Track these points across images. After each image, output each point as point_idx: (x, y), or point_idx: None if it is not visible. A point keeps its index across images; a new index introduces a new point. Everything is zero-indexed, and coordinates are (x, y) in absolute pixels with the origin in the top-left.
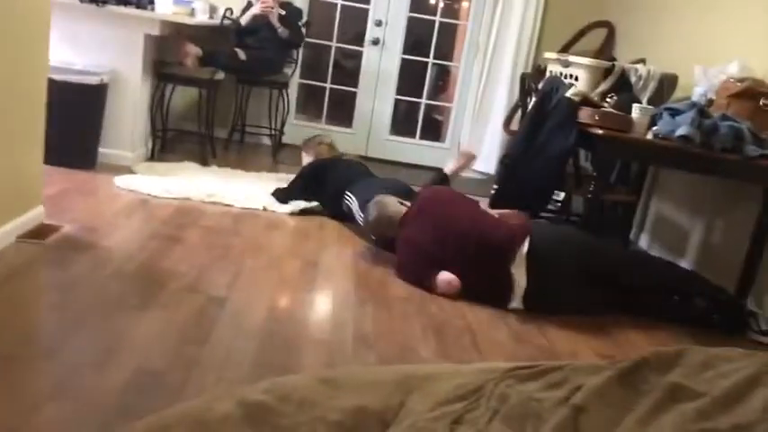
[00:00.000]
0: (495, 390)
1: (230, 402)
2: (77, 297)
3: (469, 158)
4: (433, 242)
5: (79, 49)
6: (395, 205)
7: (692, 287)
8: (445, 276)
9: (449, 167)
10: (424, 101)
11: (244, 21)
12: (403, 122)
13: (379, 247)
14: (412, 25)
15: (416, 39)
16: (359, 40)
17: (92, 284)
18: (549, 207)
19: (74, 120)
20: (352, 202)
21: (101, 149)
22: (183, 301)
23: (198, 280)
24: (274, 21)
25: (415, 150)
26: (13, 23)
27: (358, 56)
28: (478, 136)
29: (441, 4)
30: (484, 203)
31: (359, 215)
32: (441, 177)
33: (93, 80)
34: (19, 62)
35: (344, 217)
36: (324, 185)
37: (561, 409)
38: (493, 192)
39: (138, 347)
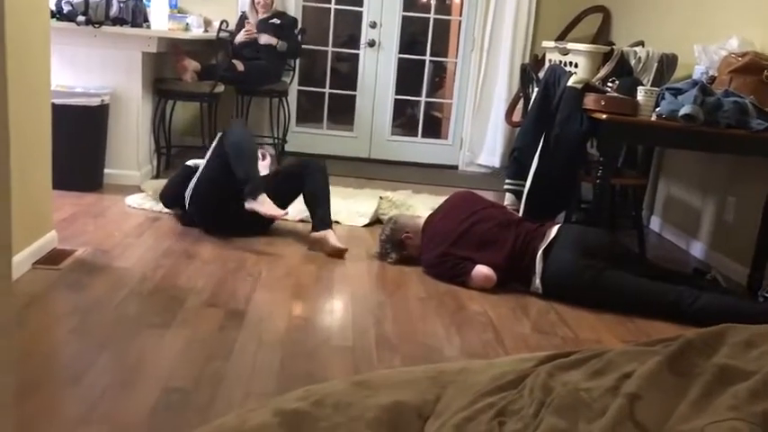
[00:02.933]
0: (536, 380)
1: (266, 413)
2: (98, 320)
3: None
4: (474, 231)
5: (78, 71)
6: (407, 217)
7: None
8: (482, 270)
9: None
10: (423, 99)
11: (238, 40)
12: (404, 122)
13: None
14: (406, 24)
15: (411, 37)
16: (354, 42)
17: (111, 306)
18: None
19: (77, 143)
20: None
21: (106, 170)
22: (203, 316)
23: (216, 294)
24: (269, 40)
25: (418, 149)
26: (15, 50)
27: (354, 59)
28: (481, 130)
29: (433, 2)
30: (491, 197)
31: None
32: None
33: (94, 102)
34: (22, 89)
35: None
36: None
37: (614, 398)
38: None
39: (163, 366)
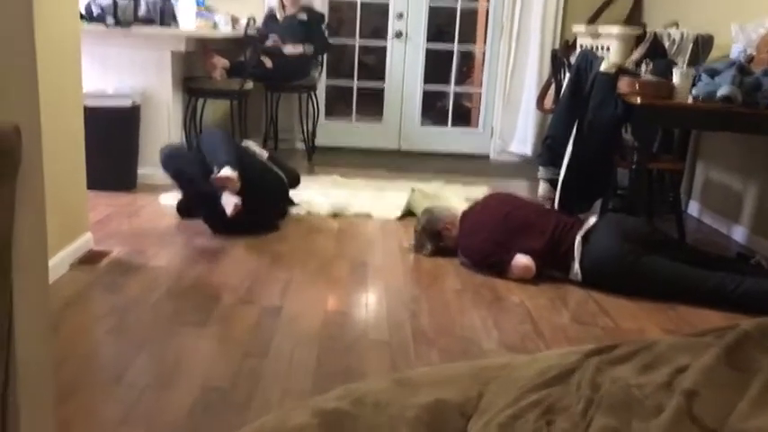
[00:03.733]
0: (584, 376)
1: (305, 413)
2: (135, 319)
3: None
4: (514, 218)
5: (109, 73)
6: (442, 209)
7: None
8: (522, 260)
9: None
10: (452, 88)
11: (268, 43)
12: (433, 112)
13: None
14: (433, 14)
15: (438, 27)
16: (381, 34)
17: (147, 306)
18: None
19: (110, 143)
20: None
21: (140, 170)
22: (239, 313)
23: (251, 291)
24: (293, 50)
25: (449, 138)
26: (47, 55)
27: (381, 51)
28: (511, 118)
29: None
30: (522, 188)
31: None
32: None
33: (126, 103)
34: (54, 93)
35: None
36: None
37: (667, 394)
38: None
39: (201, 365)
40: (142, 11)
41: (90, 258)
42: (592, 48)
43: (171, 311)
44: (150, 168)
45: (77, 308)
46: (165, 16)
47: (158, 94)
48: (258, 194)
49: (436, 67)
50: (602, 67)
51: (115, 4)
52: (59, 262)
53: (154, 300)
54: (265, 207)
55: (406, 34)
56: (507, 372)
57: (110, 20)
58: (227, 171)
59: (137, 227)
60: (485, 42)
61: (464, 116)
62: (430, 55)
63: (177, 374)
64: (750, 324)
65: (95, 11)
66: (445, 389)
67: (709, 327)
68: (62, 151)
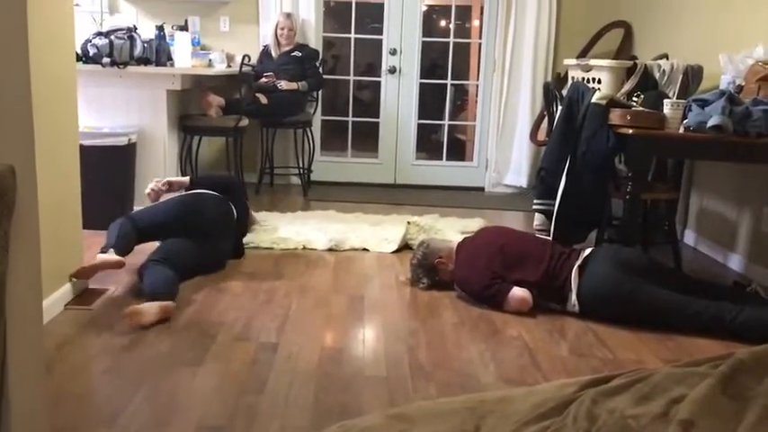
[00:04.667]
0: (580, 408)
1: None
2: (130, 359)
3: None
4: (506, 252)
5: (104, 112)
6: (438, 241)
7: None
8: (519, 293)
9: None
10: (446, 122)
11: (258, 86)
12: (428, 146)
13: (426, 287)
14: (426, 50)
15: (432, 62)
16: (375, 70)
17: (143, 344)
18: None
19: (106, 182)
20: None
21: (136, 208)
22: (236, 350)
23: (247, 328)
24: (288, 86)
25: (444, 171)
26: (44, 96)
27: (376, 86)
28: (506, 150)
29: (452, 26)
30: (518, 219)
31: None
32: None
33: (121, 141)
34: (50, 133)
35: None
36: None
37: (663, 424)
38: (555, 210)
39: (197, 403)
40: (138, 51)
41: (85, 298)
42: (584, 80)
43: (167, 350)
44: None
45: (72, 348)
46: (161, 56)
47: (154, 132)
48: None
49: (431, 101)
50: (594, 99)
51: (111, 45)
52: (54, 302)
53: (149, 338)
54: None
55: (400, 70)
56: (504, 405)
57: (106, 60)
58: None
59: (133, 265)
60: (478, 77)
61: (459, 149)
62: (424, 90)
63: (173, 414)
64: (744, 353)
65: (91, 51)
66: (441, 423)
67: (705, 356)
68: (57, 191)
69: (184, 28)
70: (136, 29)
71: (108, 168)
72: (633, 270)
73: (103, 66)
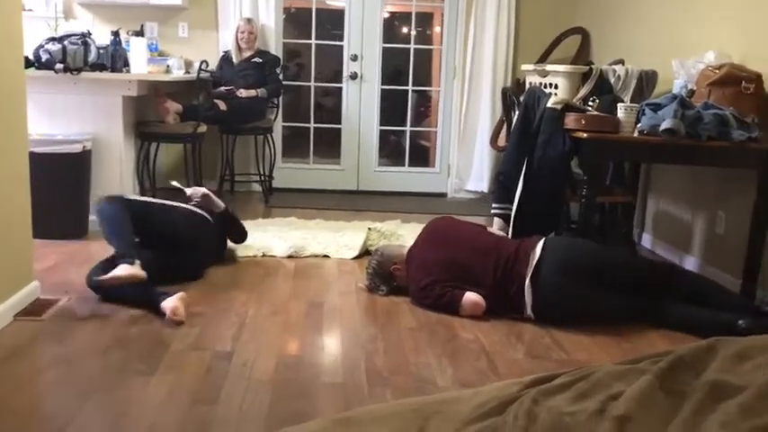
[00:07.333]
0: (520, 407)
1: None
2: (81, 370)
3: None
4: (453, 263)
5: (58, 119)
6: (393, 248)
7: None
8: (472, 297)
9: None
10: (408, 128)
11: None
12: (391, 152)
13: (385, 294)
14: (388, 56)
15: (394, 68)
16: (336, 76)
17: (94, 355)
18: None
19: (60, 190)
20: None
21: (91, 217)
22: (189, 360)
23: (202, 336)
24: (248, 94)
25: (406, 177)
26: None
27: (337, 92)
28: (467, 156)
29: (413, 32)
30: (481, 223)
31: None
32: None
33: (76, 148)
34: None
35: None
36: None
37: (599, 421)
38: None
39: (149, 414)
40: (92, 57)
41: (36, 308)
42: (541, 85)
43: (119, 360)
44: None
45: (20, 360)
46: (117, 62)
47: (110, 139)
48: (178, 243)
49: (393, 107)
50: (549, 103)
51: (64, 51)
52: (3, 312)
53: (102, 348)
54: (189, 254)
55: (362, 76)
56: (449, 406)
57: (59, 66)
58: (120, 270)
59: (86, 274)
60: (439, 83)
61: (422, 155)
62: (386, 96)
63: (123, 425)
64: (684, 349)
65: (44, 57)
66: (385, 426)
67: (647, 354)
68: (6, 199)
69: (140, 33)
70: (90, 34)
71: (62, 176)
72: (586, 273)
73: (56, 72)
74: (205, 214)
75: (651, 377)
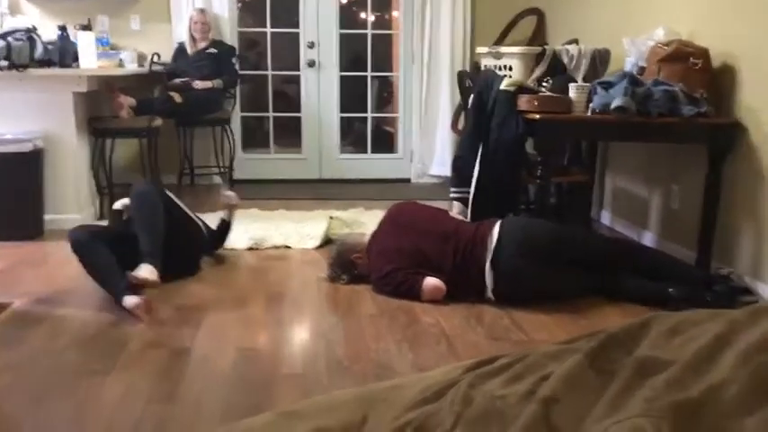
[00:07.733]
0: (457, 392)
1: None
2: (33, 374)
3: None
4: (414, 250)
5: (6, 117)
6: (354, 237)
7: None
8: (432, 282)
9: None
10: (369, 114)
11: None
12: (354, 139)
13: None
14: (346, 42)
15: (353, 54)
16: (295, 64)
17: (48, 358)
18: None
19: (12, 190)
20: None
21: (46, 216)
22: (146, 358)
23: (159, 334)
24: (203, 85)
25: (369, 165)
26: None
27: (296, 80)
28: (429, 141)
29: (371, 18)
30: (443, 207)
31: None
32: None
33: (26, 147)
34: None
35: None
36: None
37: (528, 404)
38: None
39: (105, 414)
40: (39, 52)
41: None
42: (496, 67)
43: (74, 362)
44: (57, 214)
45: None
46: (66, 57)
47: (61, 137)
48: (173, 245)
49: (354, 94)
50: (502, 86)
51: (9, 47)
52: None
53: (56, 351)
54: (180, 257)
55: (319, 63)
56: (394, 392)
57: (3, 63)
58: (146, 272)
59: (41, 276)
60: (399, 68)
61: (386, 141)
62: (346, 82)
63: (77, 427)
64: (617, 327)
65: None
66: (329, 416)
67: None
68: None
69: (88, 27)
70: (35, 29)
71: (13, 176)
72: (544, 251)
73: (0, 69)
74: (202, 227)
75: (581, 356)
